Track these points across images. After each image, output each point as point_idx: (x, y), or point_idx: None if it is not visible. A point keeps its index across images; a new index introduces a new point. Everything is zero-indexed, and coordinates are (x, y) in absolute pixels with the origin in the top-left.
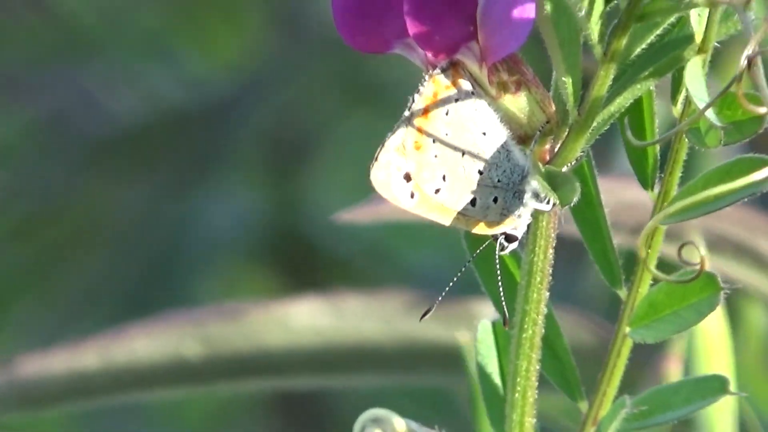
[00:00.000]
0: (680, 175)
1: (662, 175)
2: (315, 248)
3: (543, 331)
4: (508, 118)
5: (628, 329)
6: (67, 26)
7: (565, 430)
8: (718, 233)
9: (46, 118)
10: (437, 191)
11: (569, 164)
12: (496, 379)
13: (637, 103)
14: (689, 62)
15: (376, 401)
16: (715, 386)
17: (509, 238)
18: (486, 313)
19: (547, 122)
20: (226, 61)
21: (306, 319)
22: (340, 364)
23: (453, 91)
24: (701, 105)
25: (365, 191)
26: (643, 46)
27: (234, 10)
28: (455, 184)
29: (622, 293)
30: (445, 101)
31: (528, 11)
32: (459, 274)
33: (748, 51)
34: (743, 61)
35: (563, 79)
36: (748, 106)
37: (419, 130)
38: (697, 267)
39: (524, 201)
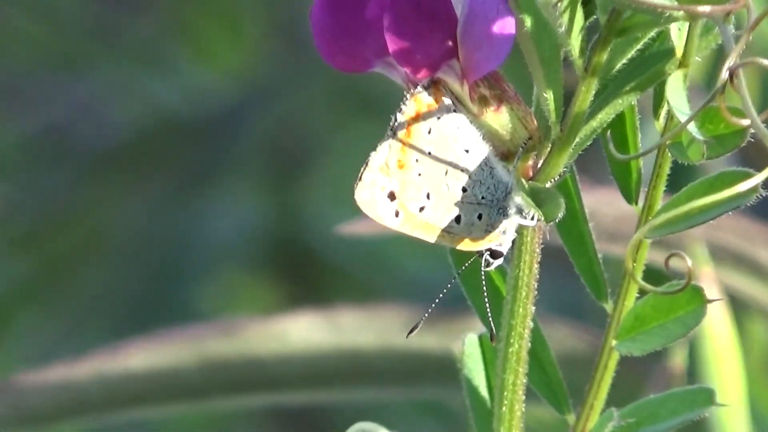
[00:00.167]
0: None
1: (646, 189)
2: (315, 257)
3: (529, 344)
4: (490, 135)
5: (614, 342)
6: (66, 36)
7: None
8: (717, 243)
9: (46, 129)
10: (422, 209)
11: (553, 180)
12: (484, 392)
13: (620, 118)
14: (671, 76)
15: (374, 415)
16: (702, 398)
17: (494, 254)
18: (480, 325)
19: (530, 138)
20: (225, 71)
21: (302, 334)
22: (337, 378)
23: (435, 110)
24: (683, 119)
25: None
26: (624, 60)
27: (233, 20)
28: (439, 201)
29: (608, 306)
30: (427, 119)
31: (508, 28)
32: (445, 291)
33: (729, 63)
34: (724, 74)
35: (545, 95)
36: (730, 118)
37: (402, 148)
38: (685, 277)
39: (509, 217)
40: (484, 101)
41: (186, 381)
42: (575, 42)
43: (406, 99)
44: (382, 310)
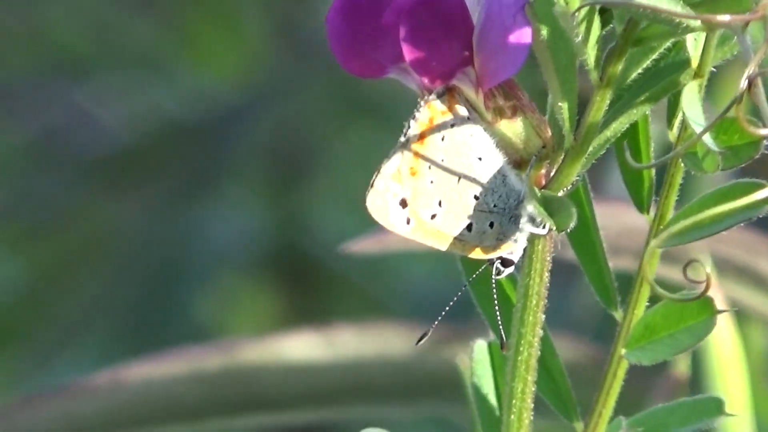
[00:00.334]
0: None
1: (657, 199)
2: (315, 264)
3: (539, 353)
4: (504, 143)
5: (624, 351)
6: (63, 42)
7: None
8: (720, 255)
9: (45, 134)
10: (433, 217)
11: (565, 189)
12: (492, 399)
13: (633, 127)
14: (686, 87)
15: None
16: (712, 407)
17: (505, 263)
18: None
19: (543, 147)
20: (225, 76)
21: (300, 352)
22: (336, 395)
23: (449, 117)
24: (698, 129)
25: (365, 207)
26: (639, 70)
27: (233, 24)
28: (451, 209)
29: (618, 315)
30: (441, 127)
31: (524, 37)
32: (455, 299)
33: (749, 71)
34: (743, 83)
35: (559, 104)
36: (748, 127)
37: (415, 155)
38: (698, 287)
39: (520, 226)
40: (498, 109)
41: (183, 401)
42: (591, 52)
43: (420, 106)
44: (380, 327)
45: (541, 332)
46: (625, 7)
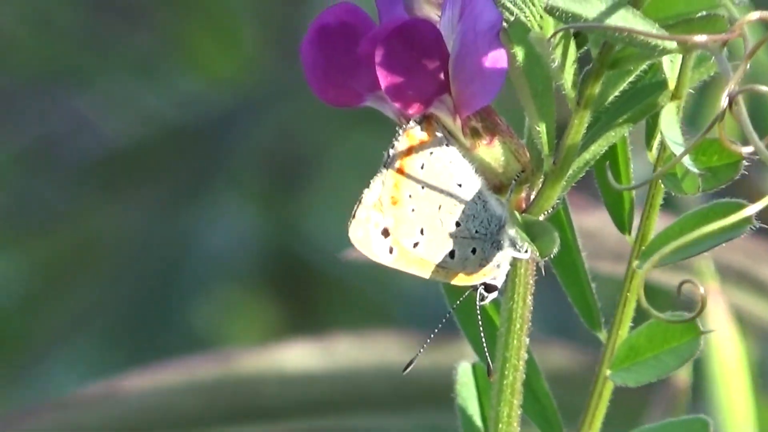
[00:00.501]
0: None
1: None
2: (311, 271)
3: (524, 376)
4: (483, 169)
5: (608, 372)
6: (61, 48)
7: None
8: (722, 261)
9: (41, 140)
10: (416, 245)
11: (546, 212)
12: (478, 421)
13: (612, 149)
14: (664, 109)
15: None
16: (698, 427)
17: (489, 288)
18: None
19: (523, 171)
20: (220, 82)
21: (298, 361)
22: (333, 405)
23: (427, 145)
24: (678, 151)
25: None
26: (617, 93)
27: (228, 31)
28: (433, 237)
29: (602, 335)
30: (420, 155)
31: (500, 62)
32: (440, 325)
33: (729, 89)
34: (724, 101)
35: (537, 128)
36: (730, 146)
37: (395, 184)
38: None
39: (502, 250)
40: (476, 135)
41: (180, 411)
42: (568, 76)
43: (399, 134)
44: (377, 336)
45: (525, 356)
46: (600, 30)
